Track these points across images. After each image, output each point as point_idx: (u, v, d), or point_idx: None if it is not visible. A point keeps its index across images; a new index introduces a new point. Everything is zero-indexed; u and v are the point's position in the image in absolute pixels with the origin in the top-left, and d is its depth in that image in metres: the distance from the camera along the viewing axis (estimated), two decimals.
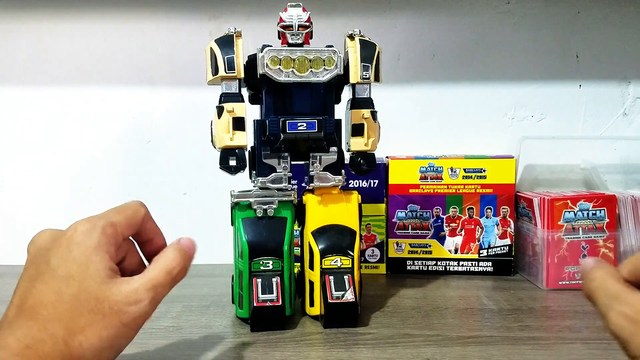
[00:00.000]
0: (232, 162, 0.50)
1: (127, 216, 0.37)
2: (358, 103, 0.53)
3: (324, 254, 0.51)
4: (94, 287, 0.33)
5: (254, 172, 0.52)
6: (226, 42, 0.50)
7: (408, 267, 0.69)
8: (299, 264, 0.55)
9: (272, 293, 0.49)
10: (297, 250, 0.59)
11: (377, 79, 0.52)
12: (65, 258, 0.34)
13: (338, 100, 0.54)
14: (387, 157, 0.71)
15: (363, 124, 0.52)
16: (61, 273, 0.34)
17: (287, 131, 0.49)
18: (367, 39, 0.52)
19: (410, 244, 0.69)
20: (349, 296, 0.49)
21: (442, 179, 0.68)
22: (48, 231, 0.37)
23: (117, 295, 0.33)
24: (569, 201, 0.62)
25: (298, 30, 0.50)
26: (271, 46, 0.49)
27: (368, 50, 0.51)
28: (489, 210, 0.68)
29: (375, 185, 0.69)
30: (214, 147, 0.52)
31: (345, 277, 0.50)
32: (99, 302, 0.33)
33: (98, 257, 0.34)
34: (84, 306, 0.33)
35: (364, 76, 0.51)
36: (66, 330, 0.32)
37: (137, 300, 0.33)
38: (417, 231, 0.69)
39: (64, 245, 0.35)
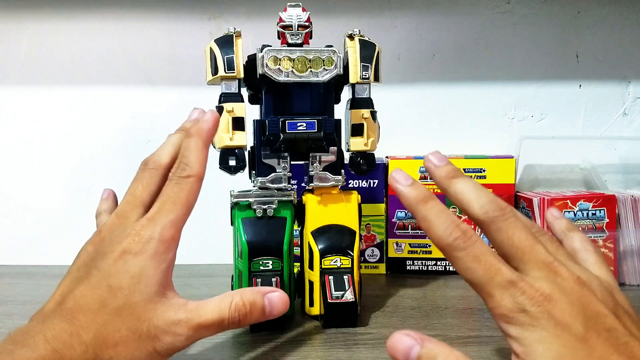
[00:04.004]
0: (232, 162, 0.50)
1: (185, 203, 0.36)
2: (358, 103, 0.53)
3: (323, 253, 0.51)
4: (140, 304, 0.32)
5: (254, 172, 0.53)
6: (226, 42, 0.50)
7: (408, 267, 0.69)
8: (298, 263, 0.55)
9: None
10: (296, 250, 0.59)
11: (376, 79, 0.52)
12: (119, 269, 0.33)
13: (338, 100, 0.54)
14: (387, 157, 0.71)
15: (363, 124, 0.52)
16: (111, 283, 0.32)
17: (287, 131, 0.49)
18: (367, 39, 0.52)
19: (410, 244, 0.69)
20: (349, 296, 0.49)
21: None
22: (107, 233, 0.36)
23: (159, 320, 0.32)
24: (568, 201, 0.62)
25: (298, 30, 0.50)
26: (271, 46, 0.49)
27: (368, 50, 0.52)
28: None
29: (375, 185, 0.69)
30: (214, 147, 0.52)
31: (345, 277, 0.50)
32: (139, 321, 0.32)
33: (152, 269, 0.33)
34: (124, 322, 0.32)
35: (363, 76, 0.51)
36: (99, 341, 0.31)
37: (175, 333, 0.32)
38: (417, 231, 0.69)
39: (119, 253, 0.33)
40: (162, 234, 0.34)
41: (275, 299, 0.36)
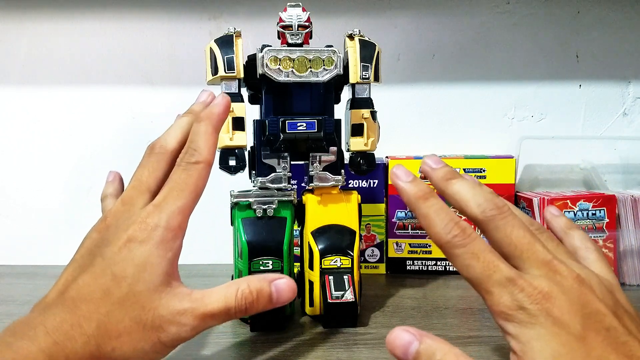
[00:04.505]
0: (232, 162, 0.50)
1: (193, 190, 0.35)
2: (358, 103, 0.53)
3: (323, 253, 0.51)
4: (145, 293, 0.31)
5: (254, 172, 0.53)
6: (226, 42, 0.50)
7: (408, 267, 0.69)
8: (298, 263, 0.55)
9: None
10: (296, 250, 0.59)
11: (376, 79, 0.52)
12: (124, 257, 0.32)
13: (338, 100, 0.54)
14: (387, 157, 0.71)
15: (363, 124, 0.52)
16: (115, 271, 0.31)
17: (287, 131, 0.49)
18: (367, 39, 0.52)
19: (410, 244, 0.69)
20: (349, 296, 0.49)
21: None
22: (112, 220, 0.34)
23: (164, 309, 0.31)
24: (568, 201, 0.62)
25: (298, 30, 0.50)
26: (271, 46, 0.49)
27: (368, 50, 0.52)
28: None
29: (375, 185, 0.69)
30: None
31: (345, 277, 0.50)
32: (144, 311, 0.31)
33: (158, 258, 0.32)
34: (128, 312, 0.31)
35: (363, 76, 0.51)
36: (101, 331, 0.30)
37: (180, 323, 0.32)
38: (417, 231, 0.69)
39: (124, 241, 0.32)
40: (169, 221, 0.33)
41: (282, 285, 0.35)
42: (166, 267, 0.32)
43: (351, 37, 0.53)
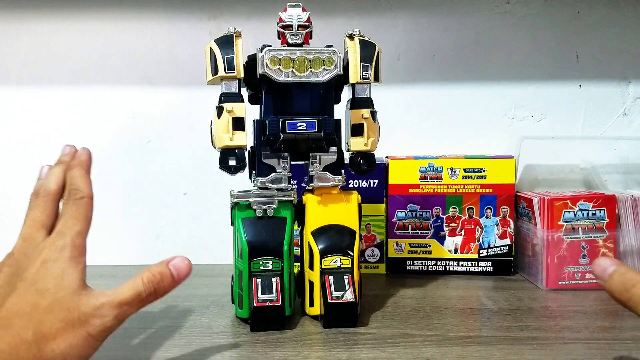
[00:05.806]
0: (232, 162, 0.50)
1: (85, 218, 0.40)
2: (358, 103, 0.53)
3: (323, 254, 0.51)
4: (67, 297, 0.36)
5: (254, 172, 0.53)
6: (226, 42, 0.50)
7: (408, 267, 0.70)
8: (298, 263, 0.55)
9: (272, 293, 0.49)
10: (297, 250, 0.59)
11: (376, 79, 0.52)
12: (42, 275, 0.37)
13: (338, 100, 0.54)
14: (387, 157, 0.71)
15: (363, 124, 0.52)
16: (38, 287, 0.36)
17: (287, 131, 0.49)
18: (367, 39, 0.52)
19: (410, 244, 0.69)
20: (349, 296, 0.49)
21: (441, 179, 0.68)
22: (19, 253, 0.39)
23: (85, 307, 0.36)
24: (568, 201, 0.62)
25: (298, 30, 0.50)
26: (271, 46, 0.49)
27: (368, 50, 0.52)
28: (488, 210, 0.68)
29: (375, 185, 0.69)
30: (214, 147, 0.52)
31: (345, 277, 0.50)
32: (69, 311, 0.36)
33: (71, 269, 0.37)
34: (57, 316, 0.35)
35: (363, 76, 0.51)
36: (38, 337, 0.34)
37: (102, 315, 0.36)
38: (417, 231, 0.69)
39: (39, 263, 0.37)
40: (74, 241, 0.39)
41: (178, 262, 0.40)
42: (80, 275, 0.38)
43: (351, 37, 0.53)
